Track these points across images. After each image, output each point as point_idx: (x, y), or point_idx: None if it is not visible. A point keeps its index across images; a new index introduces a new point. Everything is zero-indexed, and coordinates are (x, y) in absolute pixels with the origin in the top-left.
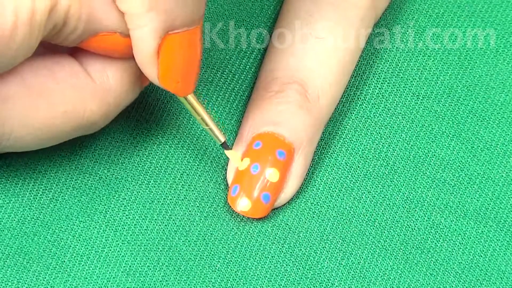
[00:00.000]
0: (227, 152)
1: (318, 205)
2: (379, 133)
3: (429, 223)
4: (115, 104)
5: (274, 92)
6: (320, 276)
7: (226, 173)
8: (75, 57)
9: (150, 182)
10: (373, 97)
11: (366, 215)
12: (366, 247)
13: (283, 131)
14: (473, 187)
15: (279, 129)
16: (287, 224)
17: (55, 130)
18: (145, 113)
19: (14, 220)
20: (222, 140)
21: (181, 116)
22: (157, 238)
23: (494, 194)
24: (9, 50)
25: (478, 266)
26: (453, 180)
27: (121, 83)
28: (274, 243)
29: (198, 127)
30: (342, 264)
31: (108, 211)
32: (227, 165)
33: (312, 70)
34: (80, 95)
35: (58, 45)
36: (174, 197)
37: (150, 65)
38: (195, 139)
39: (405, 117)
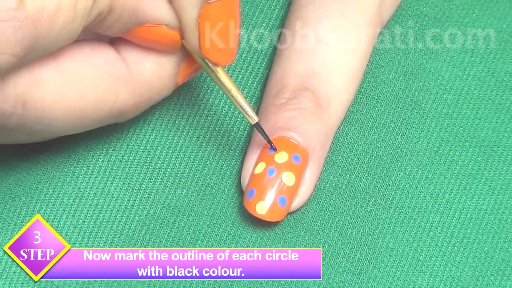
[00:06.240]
0: (260, 132)
1: (318, 204)
2: (379, 133)
3: (428, 224)
4: (147, 96)
5: (286, 99)
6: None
7: (231, 177)
8: (114, 46)
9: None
10: (372, 97)
11: (366, 215)
12: (366, 247)
13: (297, 136)
14: (473, 187)
15: (293, 134)
16: (289, 224)
17: (86, 116)
18: (142, 120)
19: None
20: (256, 120)
21: (183, 121)
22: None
23: (492, 194)
24: (50, 34)
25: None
26: (453, 180)
27: (156, 77)
28: (274, 243)
29: (198, 127)
30: (342, 263)
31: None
32: (236, 169)
33: (321, 76)
34: (113, 82)
35: (99, 33)
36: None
37: (193, 35)
38: (199, 141)
39: (405, 118)
